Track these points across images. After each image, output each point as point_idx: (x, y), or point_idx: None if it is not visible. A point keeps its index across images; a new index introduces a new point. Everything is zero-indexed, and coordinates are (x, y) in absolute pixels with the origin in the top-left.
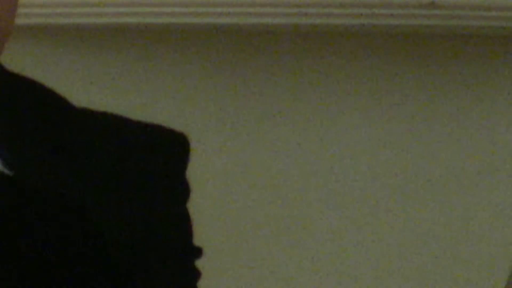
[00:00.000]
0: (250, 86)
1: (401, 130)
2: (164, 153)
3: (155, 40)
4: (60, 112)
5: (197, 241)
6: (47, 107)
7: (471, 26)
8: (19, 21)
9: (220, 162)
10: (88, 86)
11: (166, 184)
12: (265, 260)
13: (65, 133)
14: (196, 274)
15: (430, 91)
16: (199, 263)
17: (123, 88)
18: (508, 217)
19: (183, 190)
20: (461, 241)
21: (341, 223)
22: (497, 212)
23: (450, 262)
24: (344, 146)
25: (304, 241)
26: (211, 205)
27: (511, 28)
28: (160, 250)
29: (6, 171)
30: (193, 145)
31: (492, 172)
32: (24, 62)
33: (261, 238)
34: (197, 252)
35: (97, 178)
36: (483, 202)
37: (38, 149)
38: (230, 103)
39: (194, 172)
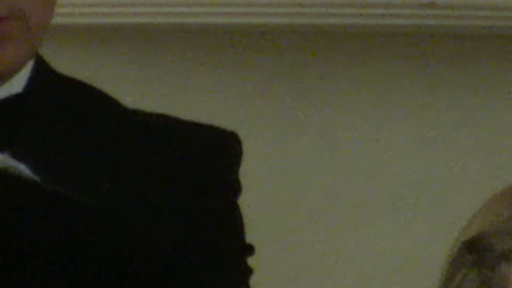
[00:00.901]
0: (250, 86)
1: (401, 130)
2: (218, 152)
3: (155, 40)
4: (113, 114)
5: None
6: (99, 109)
7: (471, 26)
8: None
9: None
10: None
11: (221, 182)
12: (265, 260)
13: (118, 135)
14: (247, 271)
15: (430, 91)
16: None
17: (123, 88)
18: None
19: (236, 188)
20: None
21: (341, 223)
22: None
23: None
24: (344, 146)
25: (304, 241)
26: None
27: (511, 28)
28: (213, 247)
29: (35, 178)
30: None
31: (492, 172)
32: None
33: (261, 238)
34: (249, 249)
35: (152, 178)
36: (483, 202)
37: (82, 152)
38: (230, 103)
39: None
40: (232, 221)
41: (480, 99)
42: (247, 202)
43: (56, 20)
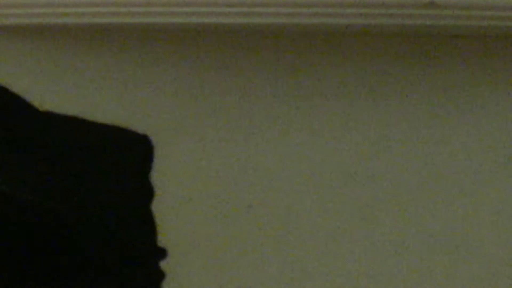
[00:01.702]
0: (250, 86)
1: (401, 130)
2: (128, 155)
3: (155, 40)
4: (21, 115)
5: (196, 240)
6: (7, 110)
7: (471, 26)
8: (19, 21)
9: (220, 162)
10: (88, 86)
11: (131, 186)
12: (265, 260)
13: (28, 137)
14: (160, 275)
15: (430, 91)
16: (192, 265)
17: (123, 88)
18: (509, 217)
19: (147, 192)
20: (461, 241)
21: (341, 223)
22: (497, 212)
23: (450, 262)
24: (343, 146)
25: (304, 241)
26: (210, 205)
27: (511, 28)
28: (124, 251)
29: None
30: (193, 145)
31: (492, 172)
32: (24, 62)
33: (261, 238)
34: (161, 253)
35: (60, 180)
36: (483, 202)
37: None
38: (230, 103)
39: (195, 171)
40: (143, 224)
41: (480, 99)
42: (247, 202)
43: (56, 20)
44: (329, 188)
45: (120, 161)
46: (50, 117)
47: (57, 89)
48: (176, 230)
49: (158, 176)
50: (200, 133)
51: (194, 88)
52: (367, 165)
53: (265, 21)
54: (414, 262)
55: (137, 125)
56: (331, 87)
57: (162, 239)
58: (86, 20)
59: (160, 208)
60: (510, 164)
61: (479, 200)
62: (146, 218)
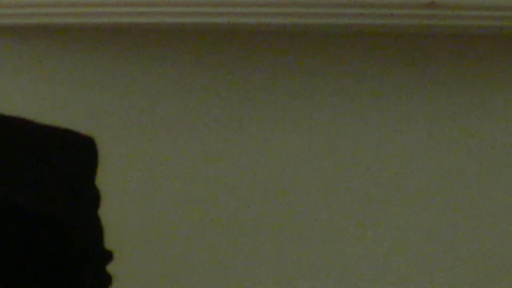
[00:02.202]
0: (250, 86)
1: (401, 130)
2: (70, 157)
3: (155, 40)
4: None
5: (196, 240)
6: None
7: (471, 26)
8: (19, 21)
9: (220, 162)
10: (88, 86)
11: (75, 189)
12: (265, 260)
13: None
14: (108, 278)
15: (430, 91)
16: (196, 265)
17: (123, 88)
18: (509, 217)
19: (93, 196)
20: (461, 241)
21: (341, 223)
22: (498, 212)
23: (450, 262)
24: (344, 146)
25: (304, 241)
26: (210, 204)
27: (511, 28)
28: (74, 255)
29: None
30: (193, 145)
31: (492, 172)
32: (24, 62)
33: (260, 238)
34: (108, 256)
35: (5, 181)
36: (483, 202)
37: None
38: (230, 103)
39: (195, 172)
40: (90, 228)
41: (480, 99)
42: (247, 202)
43: (56, 20)
44: (329, 188)
45: (64, 163)
46: None
47: (57, 89)
48: (175, 230)
49: (159, 175)
50: (200, 133)
51: (194, 88)
52: (367, 164)
53: (265, 21)
54: (415, 261)
55: (137, 125)
56: (331, 87)
57: (163, 240)
58: (86, 20)
59: (159, 208)
60: (510, 164)
61: (479, 200)
62: (93, 222)
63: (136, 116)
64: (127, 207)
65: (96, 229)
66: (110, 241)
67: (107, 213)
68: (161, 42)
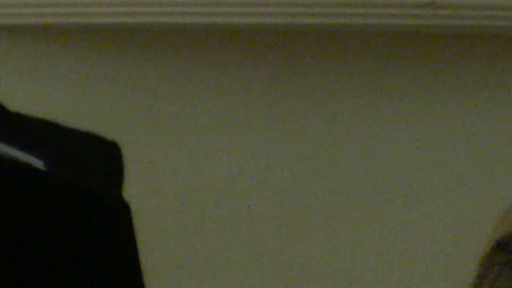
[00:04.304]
0: (250, 86)
1: (401, 130)
2: (98, 161)
3: (155, 40)
4: None
5: (196, 240)
6: None
7: (471, 26)
8: (19, 21)
9: (220, 162)
10: (88, 86)
11: (101, 199)
12: (265, 260)
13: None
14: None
15: (430, 91)
16: (198, 264)
17: (123, 88)
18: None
19: (122, 208)
20: (461, 240)
21: (341, 223)
22: (497, 212)
23: (450, 262)
24: (344, 146)
25: (304, 240)
26: (210, 205)
27: (511, 28)
28: (109, 267)
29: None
30: (193, 144)
31: (492, 172)
32: (24, 62)
33: (260, 238)
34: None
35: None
36: (483, 202)
37: None
38: (230, 103)
39: (195, 172)
40: (125, 240)
41: (480, 99)
42: (247, 202)
43: (56, 20)
44: (329, 188)
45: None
46: (21, 118)
47: (57, 89)
48: (175, 230)
49: (159, 175)
50: (200, 133)
51: (194, 88)
52: (367, 164)
53: (265, 21)
54: (415, 261)
55: (137, 125)
56: (331, 87)
57: (163, 240)
58: (86, 20)
59: (159, 208)
60: (509, 164)
61: (479, 200)
62: (129, 235)
63: (136, 116)
64: None
65: (130, 241)
66: None
67: None
68: (161, 42)
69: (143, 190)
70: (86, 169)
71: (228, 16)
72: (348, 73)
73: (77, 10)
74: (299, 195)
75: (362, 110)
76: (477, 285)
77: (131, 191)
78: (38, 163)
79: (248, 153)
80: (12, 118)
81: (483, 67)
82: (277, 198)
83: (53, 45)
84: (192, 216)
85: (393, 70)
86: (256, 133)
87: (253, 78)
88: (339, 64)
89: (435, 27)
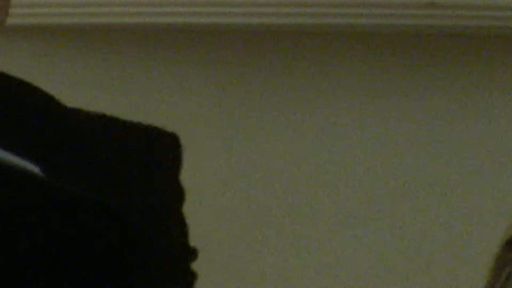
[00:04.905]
0: (250, 86)
1: (401, 130)
2: (158, 153)
3: (155, 40)
4: (51, 112)
5: (197, 240)
6: (38, 108)
7: (471, 26)
8: (19, 21)
9: (219, 162)
10: (88, 86)
11: (161, 186)
12: (265, 260)
13: (57, 134)
14: (193, 276)
15: (430, 91)
16: (196, 265)
17: (123, 88)
18: (508, 217)
19: (178, 193)
20: (461, 240)
21: (341, 223)
22: (497, 211)
23: (450, 261)
24: (344, 146)
25: (304, 240)
26: (210, 205)
27: (511, 28)
28: (157, 253)
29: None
30: (193, 144)
31: (492, 172)
32: (23, 62)
33: (261, 238)
34: (193, 253)
35: (90, 179)
36: (483, 202)
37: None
38: (230, 103)
39: (194, 172)
40: (175, 225)
41: (480, 99)
42: (247, 202)
43: (56, 20)
44: (329, 187)
45: (151, 159)
46: (78, 113)
47: (57, 89)
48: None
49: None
50: (200, 133)
51: (195, 88)
52: (367, 164)
53: (265, 21)
54: (415, 261)
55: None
56: (331, 87)
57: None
58: (87, 20)
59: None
60: (509, 164)
61: (479, 200)
62: (177, 219)
63: (136, 116)
64: None
65: (179, 226)
66: None
67: None
68: (161, 42)
69: None
70: (142, 160)
71: (228, 16)
72: (348, 73)
73: (77, 10)
74: (299, 195)
75: (362, 110)
76: (490, 284)
77: None
78: (34, 169)
79: (247, 153)
80: (70, 113)
81: (483, 67)
82: (277, 198)
83: (53, 45)
84: (191, 216)
85: (393, 70)
86: (256, 132)
87: (252, 78)
88: (339, 64)
89: (435, 27)
